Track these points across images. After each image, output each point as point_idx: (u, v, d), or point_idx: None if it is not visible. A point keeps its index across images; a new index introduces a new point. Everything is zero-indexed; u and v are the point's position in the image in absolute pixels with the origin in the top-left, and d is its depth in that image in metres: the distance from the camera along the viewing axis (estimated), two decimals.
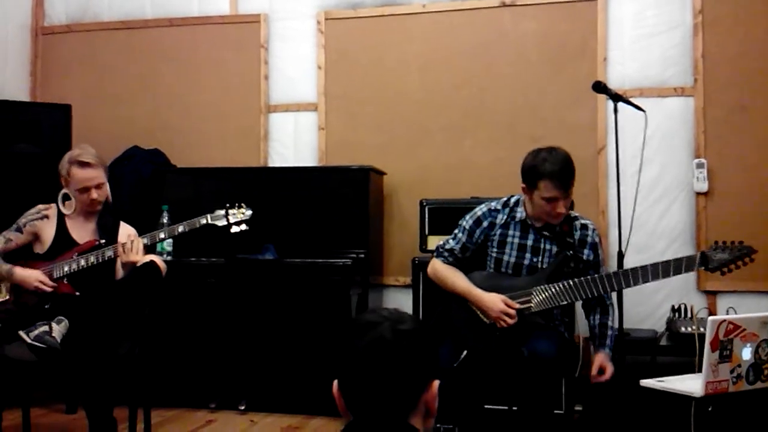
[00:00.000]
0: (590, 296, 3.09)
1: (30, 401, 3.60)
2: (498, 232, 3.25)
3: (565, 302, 3.11)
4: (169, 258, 4.44)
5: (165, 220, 4.47)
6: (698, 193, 4.31)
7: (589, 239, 3.24)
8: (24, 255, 3.37)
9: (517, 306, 3.10)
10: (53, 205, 3.42)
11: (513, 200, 3.29)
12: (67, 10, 5.40)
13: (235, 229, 3.37)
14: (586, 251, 3.23)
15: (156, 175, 4.82)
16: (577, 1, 4.56)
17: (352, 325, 1.48)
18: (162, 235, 3.37)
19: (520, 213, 3.24)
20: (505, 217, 3.26)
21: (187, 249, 4.53)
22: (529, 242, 3.22)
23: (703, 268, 3.00)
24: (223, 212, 3.37)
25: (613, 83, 4.32)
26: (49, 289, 3.24)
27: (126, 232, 3.50)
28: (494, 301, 3.11)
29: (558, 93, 4.55)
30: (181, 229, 3.34)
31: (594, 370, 3.12)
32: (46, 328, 3.09)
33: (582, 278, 3.09)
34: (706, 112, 4.32)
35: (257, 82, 5.03)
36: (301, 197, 4.60)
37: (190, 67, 5.15)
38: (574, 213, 3.28)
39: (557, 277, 3.13)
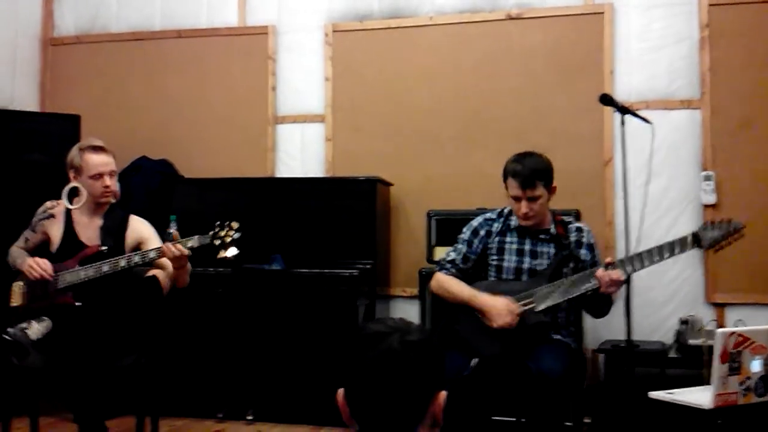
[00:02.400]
0: (591, 288, 3.08)
1: (38, 410, 3.60)
2: (496, 239, 3.32)
3: (568, 296, 3.12)
4: None
5: (173, 230, 4.47)
6: (706, 206, 4.31)
7: (584, 239, 3.30)
8: (42, 253, 3.32)
9: (521, 307, 3.12)
10: (61, 202, 3.32)
11: (507, 210, 3.37)
12: (76, 21, 5.44)
13: (222, 254, 3.10)
14: (582, 251, 3.27)
15: (164, 186, 4.84)
16: (584, 14, 4.59)
17: (359, 335, 1.48)
18: (136, 259, 3.16)
19: (514, 221, 3.31)
20: (501, 225, 3.35)
21: (194, 259, 4.51)
22: (527, 246, 3.28)
23: (696, 247, 3.06)
24: (210, 234, 3.12)
25: (620, 95, 4.33)
26: (36, 275, 3.14)
27: (136, 228, 3.39)
28: (497, 299, 3.14)
29: (565, 105, 4.56)
30: (152, 255, 3.17)
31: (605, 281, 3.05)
32: (25, 324, 3.04)
33: (581, 273, 3.13)
34: (713, 124, 4.33)
35: (265, 93, 5.06)
36: (308, 208, 4.61)
37: (198, 79, 5.18)
38: (567, 218, 3.37)
39: (557, 276, 3.18)
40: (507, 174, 3.22)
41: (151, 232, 3.44)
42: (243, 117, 5.09)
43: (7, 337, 3.01)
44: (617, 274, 3.03)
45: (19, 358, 3.04)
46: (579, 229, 3.32)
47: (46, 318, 3.12)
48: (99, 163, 3.26)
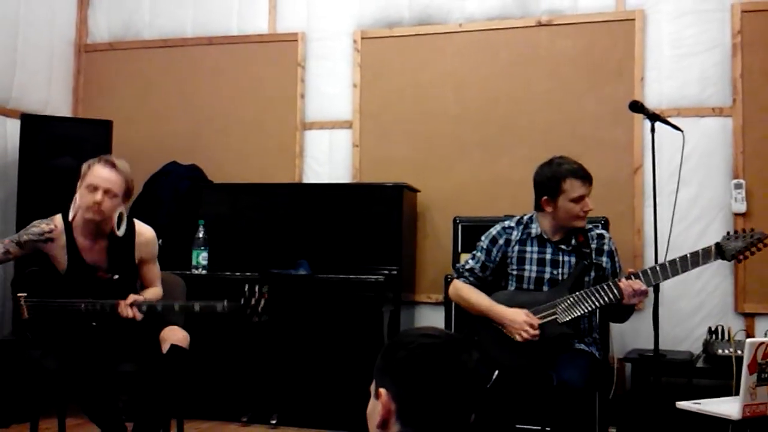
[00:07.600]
0: (614, 299, 3.04)
1: (65, 411, 3.64)
2: (515, 248, 3.26)
3: (591, 308, 3.07)
4: (204, 272, 4.50)
5: (201, 235, 4.53)
6: (736, 214, 4.25)
7: (605, 247, 3.25)
8: (49, 274, 3.22)
9: (539, 321, 3.07)
10: (57, 222, 3.21)
11: (526, 218, 3.32)
12: (109, 28, 5.52)
13: (255, 319, 3.13)
14: (604, 259, 3.23)
15: (193, 191, 4.89)
16: (615, 20, 4.56)
17: (428, 344, 1.50)
18: (158, 308, 3.20)
19: (535, 229, 3.26)
20: (520, 234, 3.28)
21: (221, 263, 4.59)
22: (548, 256, 3.23)
23: (719, 258, 3.03)
24: (241, 302, 3.12)
25: (650, 102, 4.29)
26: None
27: (141, 247, 3.33)
28: (517, 313, 3.09)
29: (594, 111, 4.53)
30: (176, 308, 3.24)
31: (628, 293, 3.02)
32: None
33: (604, 283, 3.08)
34: (745, 132, 4.27)
35: (294, 99, 5.09)
36: (335, 214, 4.62)
37: (228, 85, 5.23)
38: (587, 225, 3.29)
39: (579, 286, 3.13)
40: (564, 175, 3.14)
41: (151, 254, 3.40)
42: (272, 123, 5.12)
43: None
44: (639, 284, 3.00)
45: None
46: (600, 236, 3.27)
47: None
48: (99, 176, 3.14)
